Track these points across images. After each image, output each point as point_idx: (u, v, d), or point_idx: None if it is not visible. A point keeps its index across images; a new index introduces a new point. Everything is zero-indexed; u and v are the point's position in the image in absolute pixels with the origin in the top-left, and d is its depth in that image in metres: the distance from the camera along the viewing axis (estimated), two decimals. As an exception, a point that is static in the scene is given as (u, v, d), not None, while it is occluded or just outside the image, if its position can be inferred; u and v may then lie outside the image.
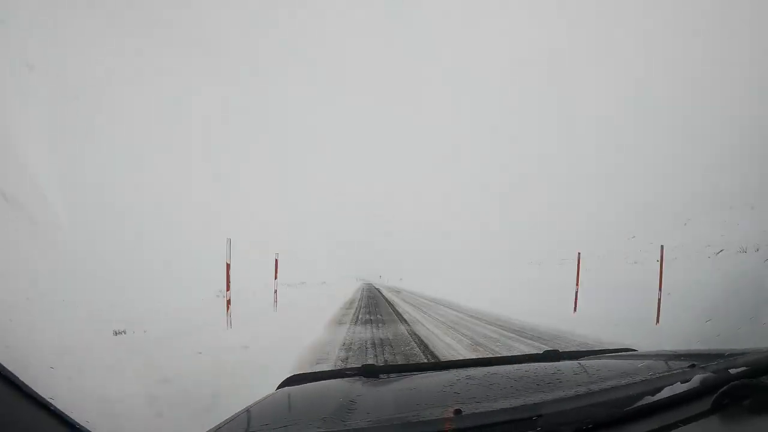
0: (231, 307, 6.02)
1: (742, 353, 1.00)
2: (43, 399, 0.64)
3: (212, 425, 0.91)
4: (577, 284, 8.66)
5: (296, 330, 7.03)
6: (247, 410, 1.03)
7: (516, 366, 1.25)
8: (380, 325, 8.35)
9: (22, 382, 0.61)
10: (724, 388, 0.78)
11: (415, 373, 1.30)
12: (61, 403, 0.67)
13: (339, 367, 1.22)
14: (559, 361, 1.29)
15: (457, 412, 0.77)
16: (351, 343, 5.91)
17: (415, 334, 6.83)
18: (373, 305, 14.22)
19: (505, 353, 4.89)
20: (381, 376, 1.26)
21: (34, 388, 0.64)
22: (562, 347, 5.46)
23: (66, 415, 0.65)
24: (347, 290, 26.96)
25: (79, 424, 0.68)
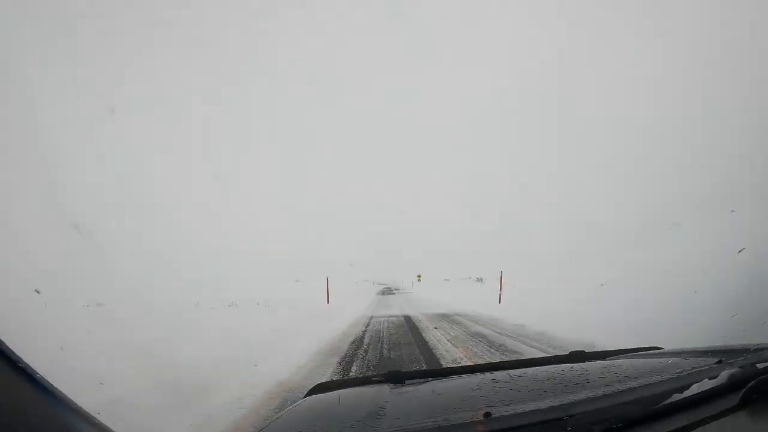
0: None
1: (765, 347, 1.00)
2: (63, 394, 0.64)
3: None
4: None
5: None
6: (278, 418, 1.03)
7: (542, 368, 1.24)
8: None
9: (42, 377, 0.60)
10: (752, 383, 0.79)
11: (440, 378, 1.29)
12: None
13: (364, 374, 1.23)
14: (584, 362, 1.29)
15: (487, 415, 0.77)
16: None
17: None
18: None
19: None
20: (407, 381, 1.26)
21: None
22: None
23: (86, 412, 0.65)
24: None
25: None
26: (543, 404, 0.84)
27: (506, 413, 0.80)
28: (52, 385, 0.57)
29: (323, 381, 1.40)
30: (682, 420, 0.76)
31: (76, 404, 0.60)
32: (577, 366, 1.21)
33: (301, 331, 8.09)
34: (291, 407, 1.14)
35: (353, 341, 7.27)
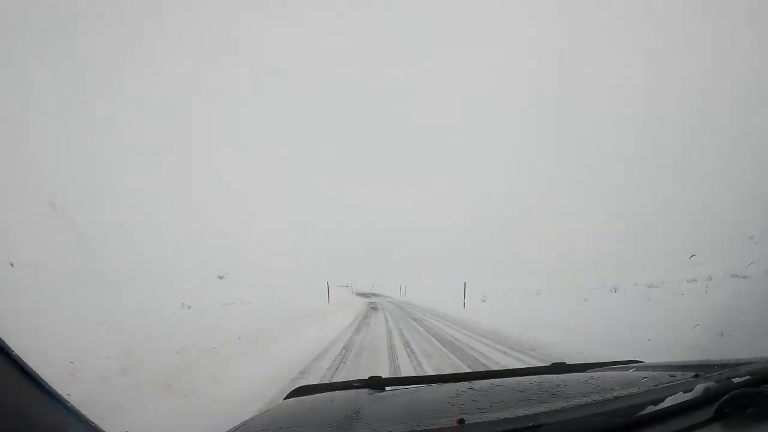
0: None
1: (746, 363, 1.00)
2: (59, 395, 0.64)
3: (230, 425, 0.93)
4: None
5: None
6: (254, 418, 1.04)
7: (522, 378, 1.25)
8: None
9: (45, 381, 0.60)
10: (726, 396, 0.78)
11: (421, 385, 1.30)
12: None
13: (346, 379, 1.24)
14: (565, 373, 1.29)
15: (461, 421, 0.77)
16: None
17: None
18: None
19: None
20: (387, 388, 1.27)
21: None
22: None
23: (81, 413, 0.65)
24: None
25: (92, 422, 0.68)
26: (518, 412, 0.84)
27: (480, 420, 0.81)
28: (53, 389, 0.58)
29: (303, 384, 1.41)
30: (656, 431, 0.76)
31: (75, 407, 0.61)
32: (557, 377, 1.21)
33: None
34: (271, 407, 1.15)
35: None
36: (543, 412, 0.82)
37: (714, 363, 1.11)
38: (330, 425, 0.91)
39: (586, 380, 1.15)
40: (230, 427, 0.96)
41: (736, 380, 0.87)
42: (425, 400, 1.14)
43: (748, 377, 0.88)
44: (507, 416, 0.81)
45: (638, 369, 1.32)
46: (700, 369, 1.04)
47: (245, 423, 1.01)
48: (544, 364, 1.44)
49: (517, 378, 1.25)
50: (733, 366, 0.99)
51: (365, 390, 1.24)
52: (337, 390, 1.32)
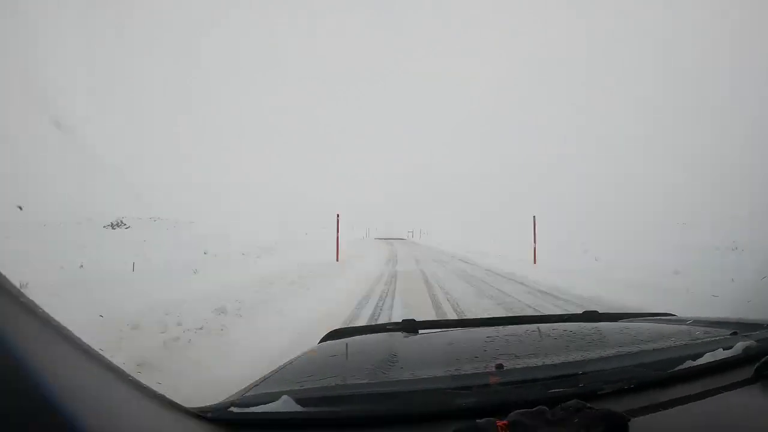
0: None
1: None
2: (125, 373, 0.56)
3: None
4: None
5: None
6: (291, 362, 1.05)
7: (554, 325, 1.25)
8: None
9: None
10: (767, 357, 0.78)
11: (452, 329, 1.32)
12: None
13: (379, 323, 1.27)
14: (597, 322, 1.29)
15: (499, 366, 0.79)
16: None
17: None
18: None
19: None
20: (420, 331, 1.28)
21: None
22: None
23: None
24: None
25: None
26: (555, 359, 0.85)
27: (518, 366, 0.82)
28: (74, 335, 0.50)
29: (337, 328, 1.44)
30: (694, 387, 0.76)
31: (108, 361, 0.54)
32: (590, 325, 1.21)
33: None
34: (305, 351, 1.18)
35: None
36: (582, 360, 0.83)
37: (751, 322, 1.09)
38: (368, 368, 0.93)
39: (621, 330, 1.15)
40: (269, 371, 0.98)
41: None
42: (460, 345, 1.16)
43: None
44: (545, 362, 0.83)
45: (672, 322, 1.31)
46: (736, 327, 1.03)
47: (283, 367, 1.03)
48: (576, 312, 1.44)
49: (551, 324, 1.26)
50: None
51: (399, 333, 1.27)
52: (370, 333, 1.36)
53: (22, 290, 0.46)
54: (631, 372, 0.77)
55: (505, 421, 0.59)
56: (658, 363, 0.81)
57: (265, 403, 0.66)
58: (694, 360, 0.80)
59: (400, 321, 1.35)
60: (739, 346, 0.83)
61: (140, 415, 0.53)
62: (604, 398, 0.71)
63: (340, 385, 0.84)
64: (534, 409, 0.61)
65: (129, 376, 0.55)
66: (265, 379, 0.92)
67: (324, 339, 1.36)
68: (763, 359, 0.78)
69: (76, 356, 0.49)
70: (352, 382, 0.87)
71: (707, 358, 0.81)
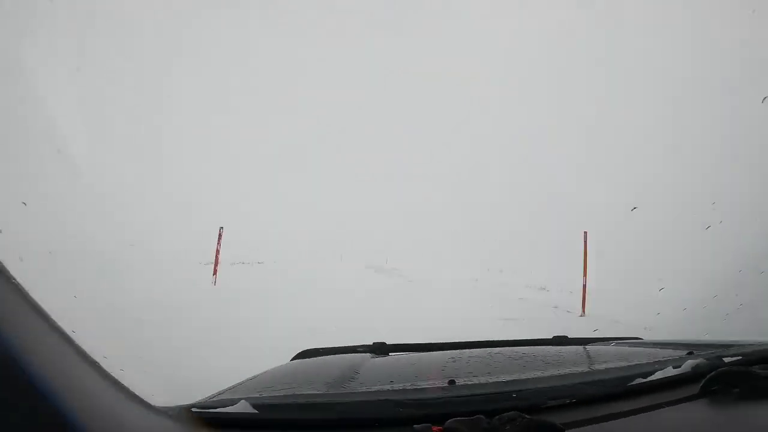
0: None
1: (740, 344, 1.01)
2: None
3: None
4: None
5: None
6: (256, 377, 1.10)
7: (521, 348, 1.29)
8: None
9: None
10: (713, 373, 0.81)
11: (422, 351, 1.35)
12: None
13: (352, 344, 1.30)
14: (565, 346, 1.33)
15: (451, 382, 0.81)
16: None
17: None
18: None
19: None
20: (390, 353, 1.33)
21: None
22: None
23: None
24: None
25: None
26: (507, 378, 0.88)
27: (469, 382, 0.85)
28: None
29: (308, 348, 1.47)
30: (639, 402, 0.78)
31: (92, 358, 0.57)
32: (555, 348, 1.25)
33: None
34: (275, 367, 1.22)
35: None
36: (530, 378, 0.86)
37: (711, 343, 1.14)
38: (326, 384, 0.97)
39: (583, 353, 1.19)
40: (232, 384, 1.03)
41: (726, 359, 0.89)
42: (422, 365, 1.19)
43: (738, 357, 0.90)
44: (495, 380, 0.85)
45: (636, 345, 1.34)
46: (695, 347, 1.06)
47: (249, 379, 1.07)
48: (546, 337, 1.48)
49: (517, 348, 1.29)
50: (728, 346, 1.01)
51: (368, 354, 1.30)
52: (341, 353, 1.39)
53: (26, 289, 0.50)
54: (577, 388, 0.80)
55: (440, 427, 0.61)
56: (608, 381, 0.84)
57: (223, 407, 0.73)
58: (645, 378, 0.83)
59: (372, 343, 1.38)
60: (689, 363, 0.87)
61: (101, 405, 0.56)
62: (546, 412, 0.73)
63: (295, 394, 0.88)
64: (471, 417, 0.63)
65: (106, 372, 0.60)
66: (229, 389, 0.98)
67: (295, 358, 1.39)
68: (708, 375, 0.80)
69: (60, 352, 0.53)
70: (307, 392, 0.90)
71: (657, 375, 0.84)
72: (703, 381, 0.80)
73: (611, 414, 0.73)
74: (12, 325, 0.46)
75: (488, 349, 1.28)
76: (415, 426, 0.62)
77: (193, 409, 0.73)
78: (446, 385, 0.81)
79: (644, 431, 0.71)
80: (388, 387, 0.87)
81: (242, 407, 0.71)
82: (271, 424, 0.73)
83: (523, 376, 0.88)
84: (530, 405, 0.73)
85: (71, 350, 0.54)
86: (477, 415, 0.63)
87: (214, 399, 0.85)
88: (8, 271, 0.49)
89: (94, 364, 0.57)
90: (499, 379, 0.86)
